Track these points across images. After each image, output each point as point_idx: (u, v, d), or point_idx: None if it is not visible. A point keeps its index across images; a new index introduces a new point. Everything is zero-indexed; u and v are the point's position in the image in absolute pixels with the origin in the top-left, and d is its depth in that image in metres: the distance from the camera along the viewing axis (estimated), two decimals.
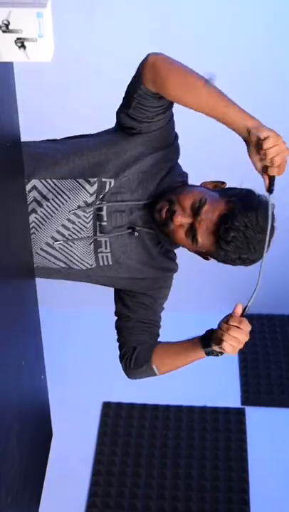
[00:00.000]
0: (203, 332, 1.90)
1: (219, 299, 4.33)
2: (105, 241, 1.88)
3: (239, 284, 4.07)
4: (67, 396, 3.48)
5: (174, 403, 3.84)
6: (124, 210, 1.86)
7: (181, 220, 1.76)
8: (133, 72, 3.40)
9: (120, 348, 2.07)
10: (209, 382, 3.90)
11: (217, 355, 1.85)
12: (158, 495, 3.42)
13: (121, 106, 1.86)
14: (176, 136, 1.91)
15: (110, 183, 1.83)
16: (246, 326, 1.74)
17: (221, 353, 1.82)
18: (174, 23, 3.22)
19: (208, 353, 1.87)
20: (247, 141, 1.63)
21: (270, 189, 1.64)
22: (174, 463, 3.56)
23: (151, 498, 3.41)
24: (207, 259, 1.87)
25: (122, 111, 1.84)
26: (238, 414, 3.79)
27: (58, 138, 2.01)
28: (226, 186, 1.86)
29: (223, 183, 1.87)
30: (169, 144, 1.88)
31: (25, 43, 1.24)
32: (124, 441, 3.66)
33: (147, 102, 1.77)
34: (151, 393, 3.82)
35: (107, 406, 3.82)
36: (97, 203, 1.84)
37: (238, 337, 1.73)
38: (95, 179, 1.82)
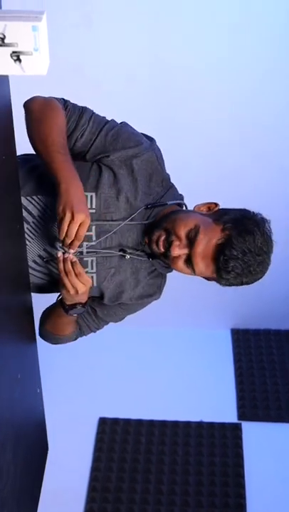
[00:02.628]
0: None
1: (220, 314, 4.35)
2: (92, 261, 1.86)
3: (239, 299, 4.10)
4: (63, 411, 3.47)
5: (170, 418, 3.83)
6: (115, 231, 1.84)
7: (179, 251, 1.75)
8: (132, 85, 3.42)
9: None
10: (206, 398, 3.91)
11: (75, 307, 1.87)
12: (154, 511, 3.40)
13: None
14: (131, 146, 1.84)
15: (92, 197, 1.82)
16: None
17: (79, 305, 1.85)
18: (173, 34, 3.23)
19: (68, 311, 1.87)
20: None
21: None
22: (170, 479, 3.54)
23: None
24: (210, 279, 1.86)
25: None
26: (235, 430, 3.78)
27: None
28: (219, 207, 1.85)
29: (216, 204, 1.85)
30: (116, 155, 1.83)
31: (21, 57, 1.24)
32: (121, 457, 3.65)
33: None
34: (147, 409, 3.82)
35: (103, 422, 3.80)
36: None
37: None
38: (80, 183, 1.75)
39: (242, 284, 1.76)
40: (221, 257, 1.70)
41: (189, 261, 1.76)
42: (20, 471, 1.68)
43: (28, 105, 1.81)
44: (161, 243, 1.78)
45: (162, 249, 1.78)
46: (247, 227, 1.72)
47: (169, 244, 1.76)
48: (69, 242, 1.66)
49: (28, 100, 1.82)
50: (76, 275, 1.73)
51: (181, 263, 1.78)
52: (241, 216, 1.77)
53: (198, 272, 1.77)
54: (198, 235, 1.73)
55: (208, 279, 1.83)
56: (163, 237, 1.78)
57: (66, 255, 1.71)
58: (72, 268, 1.72)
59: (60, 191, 1.66)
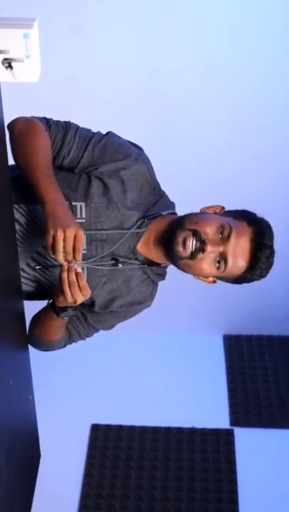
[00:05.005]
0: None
1: (212, 320, 4.35)
2: (82, 269, 1.85)
3: (231, 305, 4.11)
4: (55, 418, 3.46)
5: (162, 425, 3.82)
6: (106, 240, 1.84)
7: (214, 249, 1.75)
8: (129, 93, 3.41)
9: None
10: (198, 404, 3.90)
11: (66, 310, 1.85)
12: None
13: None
14: (118, 159, 1.84)
15: (81, 207, 1.81)
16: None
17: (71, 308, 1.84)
18: (172, 35, 3.23)
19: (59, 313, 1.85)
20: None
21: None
22: (163, 485, 3.54)
23: None
24: (214, 282, 1.88)
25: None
26: (227, 436, 3.78)
27: None
28: (225, 210, 1.87)
29: (223, 207, 1.87)
30: (104, 167, 1.83)
31: (12, 64, 1.25)
32: (113, 464, 3.64)
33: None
34: (140, 415, 3.82)
35: (95, 428, 3.80)
36: None
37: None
38: (66, 203, 1.75)
39: (262, 277, 1.81)
40: (261, 248, 1.76)
41: (220, 259, 1.77)
42: (13, 476, 1.68)
43: (11, 128, 1.80)
44: (190, 243, 1.76)
45: (189, 250, 1.76)
46: (261, 220, 1.82)
47: (202, 244, 1.75)
48: (70, 258, 1.65)
49: (10, 122, 1.81)
50: (80, 288, 1.72)
51: (209, 261, 1.77)
52: (248, 213, 1.84)
53: (230, 269, 1.78)
54: (232, 231, 1.76)
55: (222, 279, 1.86)
56: (191, 238, 1.76)
57: (71, 264, 1.70)
58: (76, 279, 1.72)
59: (46, 212, 1.65)
